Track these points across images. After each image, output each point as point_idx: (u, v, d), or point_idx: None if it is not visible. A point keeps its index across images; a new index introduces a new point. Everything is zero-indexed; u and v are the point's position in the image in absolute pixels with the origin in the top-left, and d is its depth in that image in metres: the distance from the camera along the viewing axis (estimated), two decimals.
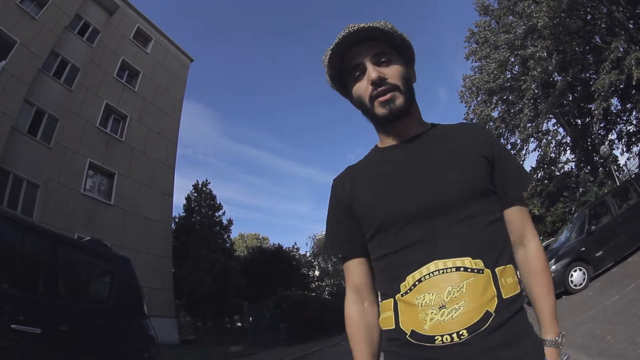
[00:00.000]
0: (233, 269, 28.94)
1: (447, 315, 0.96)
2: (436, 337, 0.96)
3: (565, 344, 1.12)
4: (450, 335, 0.95)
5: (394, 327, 1.06)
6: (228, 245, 34.22)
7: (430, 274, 1.00)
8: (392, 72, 1.14)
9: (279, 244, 44.43)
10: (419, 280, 1.01)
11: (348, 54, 1.16)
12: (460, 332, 0.94)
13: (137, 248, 19.23)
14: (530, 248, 1.16)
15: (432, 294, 0.98)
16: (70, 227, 16.55)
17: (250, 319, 22.44)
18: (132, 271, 5.30)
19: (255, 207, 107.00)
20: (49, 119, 18.17)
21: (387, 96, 1.12)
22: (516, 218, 1.16)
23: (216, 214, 32.90)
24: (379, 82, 1.11)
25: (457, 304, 0.96)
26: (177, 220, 30.39)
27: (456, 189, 1.06)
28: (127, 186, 21.03)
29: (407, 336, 1.02)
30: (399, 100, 1.13)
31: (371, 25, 1.10)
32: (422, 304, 0.99)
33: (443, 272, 0.99)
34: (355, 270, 1.23)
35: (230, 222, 34.26)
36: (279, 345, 19.33)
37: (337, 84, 1.24)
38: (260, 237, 57.96)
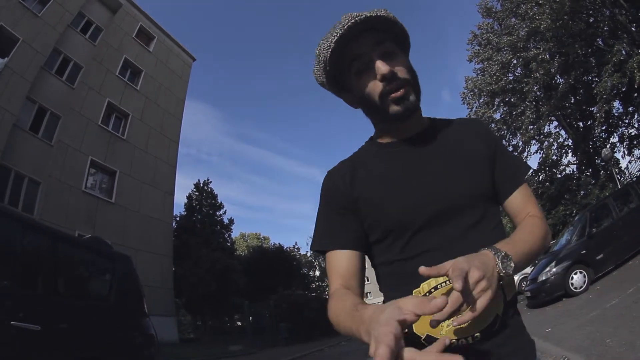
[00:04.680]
0: (234, 268, 28.99)
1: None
2: (452, 342, 0.94)
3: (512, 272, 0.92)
4: (465, 338, 0.95)
5: (407, 331, 1.03)
6: (229, 244, 34.37)
7: (447, 282, 0.95)
8: (401, 66, 1.05)
9: (279, 243, 44.68)
10: (435, 288, 0.97)
11: (348, 46, 1.05)
12: (475, 335, 0.95)
13: (137, 246, 19.27)
14: (528, 216, 1.10)
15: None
16: (71, 224, 16.59)
17: (250, 318, 22.41)
18: (132, 269, 5.31)
19: (257, 206, 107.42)
20: (51, 116, 18.21)
21: (401, 92, 1.03)
22: (517, 200, 1.12)
23: (217, 213, 33.02)
24: (390, 77, 1.02)
25: None
26: (178, 219, 30.49)
27: (468, 193, 1.04)
28: (128, 184, 21.07)
29: (421, 340, 0.98)
30: (412, 95, 1.05)
31: (374, 14, 1.01)
32: None
33: None
34: (344, 261, 1.10)
35: (231, 221, 34.42)
36: (278, 345, 19.30)
37: (332, 81, 1.14)
38: (261, 236, 58.02)
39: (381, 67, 1.01)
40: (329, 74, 1.11)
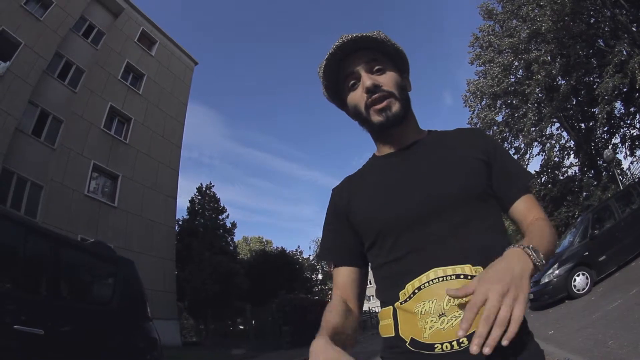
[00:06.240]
0: (236, 271, 28.95)
1: (447, 323, 0.94)
2: (436, 345, 0.94)
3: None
4: (450, 343, 0.92)
5: (393, 334, 1.04)
6: (231, 248, 34.28)
7: (430, 282, 0.98)
8: (387, 80, 1.14)
9: (282, 247, 44.54)
10: (419, 288, 0.99)
11: (342, 64, 1.16)
12: (460, 340, 0.91)
13: (140, 250, 19.25)
14: (535, 220, 1.09)
15: (432, 302, 0.96)
16: (74, 228, 16.59)
17: (253, 321, 22.42)
18: (135, 273, 5.31)
19: (259, 210, 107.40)
20: (53, 120, 18.25)
21: (383, 103, 1.12)
22: (521, 208, 1.12)
23: (220, 216, 32.96)
24: (373, 89, 1.11)
25: (457, 311, 0.94)
26: (180, 222, 30.47)
27: (452, 193, 1.04)
28: (130, 188, 21.07)
29: (406, 344, 0.99)
30: (395, 107, 1.13)
31: (364, 34, 1.10)
32: (421, 311, 0.97)
33: (443, 280, 0.97)
34: (343, 277, 1.21)
35: (233, 225, 34.33)
36: (281, 348, 19.27)
37: (333, 95, 1.25)
38: (264, 240, 57.96)
39: (366, 80, 1.12)
40: (328, 89, 1.23)
